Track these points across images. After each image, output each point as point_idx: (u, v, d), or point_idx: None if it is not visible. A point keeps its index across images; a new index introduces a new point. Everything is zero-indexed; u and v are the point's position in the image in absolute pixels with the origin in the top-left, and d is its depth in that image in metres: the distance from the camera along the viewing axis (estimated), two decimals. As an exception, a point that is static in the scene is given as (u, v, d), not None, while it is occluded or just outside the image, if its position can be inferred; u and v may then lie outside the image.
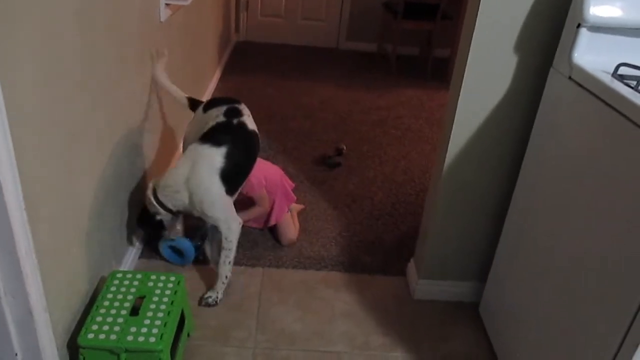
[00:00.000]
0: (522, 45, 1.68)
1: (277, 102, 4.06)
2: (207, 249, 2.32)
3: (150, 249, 2.29)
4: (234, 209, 2.07)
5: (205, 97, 3.76)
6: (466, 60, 1.71)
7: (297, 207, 2.65)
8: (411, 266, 2.27)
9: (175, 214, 2.06)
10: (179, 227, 2.31)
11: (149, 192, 2.02)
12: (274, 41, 5.51)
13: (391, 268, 2.36)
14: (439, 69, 4.84)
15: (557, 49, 1.60)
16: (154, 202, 2.00)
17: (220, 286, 2.07)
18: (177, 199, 1.99)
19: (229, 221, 2.03)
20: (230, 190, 2.02)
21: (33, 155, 1.32)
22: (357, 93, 4.37)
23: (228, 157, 1.98)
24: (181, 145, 2.99)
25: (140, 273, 1.80)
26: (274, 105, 4.00)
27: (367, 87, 4.52)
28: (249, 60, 4.99)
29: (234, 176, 2.03)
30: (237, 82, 4.36)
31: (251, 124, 2.19)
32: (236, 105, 2.20)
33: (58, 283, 1.51)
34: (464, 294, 2.17)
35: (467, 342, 1.99)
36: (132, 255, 2.17)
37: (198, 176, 1.95)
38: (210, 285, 2.11)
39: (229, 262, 2.06)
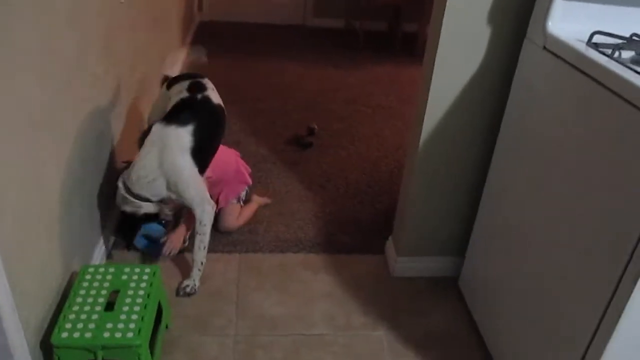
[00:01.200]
0: (495, 16, 1.65)
1: (246, 83, 3.97)
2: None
3: (124, 240, 2.21)
4: (207, 191, 2.02)
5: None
6: (439, 33, 1.67)
7: (260, 200, 2.54)
8: (389, 244, 2.26)
9: (157, 202, 1.98)
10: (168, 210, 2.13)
11: (122, 191, 1.94)
12: (239, 19, 5.37)
13: (369, 247, 2.34)
14: (408, 44, 4.81)
15: (531, 19, 1.58)
16: (131, 198, 1.93)
17: (197, 273, 2.02)
18: (155, 187, 1.92)
19: (203, 203, 1.98)
20: (201, 169, 1.98)
21: (-10, 149, 1.24)
22: (326, 71, 4.30)
23: (196, 134, 1.93)
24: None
25: (113, 266, 1.73)
26: (242, 86, 3.92)
27: (336, 64, 4.46)
28: (214, 40, 4.86)
29: (204, 154, 1.99)
30: (202, 63, 4.24)
31: (216, 98, 2.13)
32: (199, 80, 2.14)
33: (27, 280, 1.43)
34: (443, 270, 2.17)
35: (448, 317, 2.00)
36: (103, 248, 2.09)
37: (170, 159, 1.89)
38: (186, 275, 2.06)
39: (204, 247, 2.01)
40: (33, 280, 1.49)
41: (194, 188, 1.95)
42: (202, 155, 1.98)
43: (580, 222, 1.33)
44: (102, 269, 1.71)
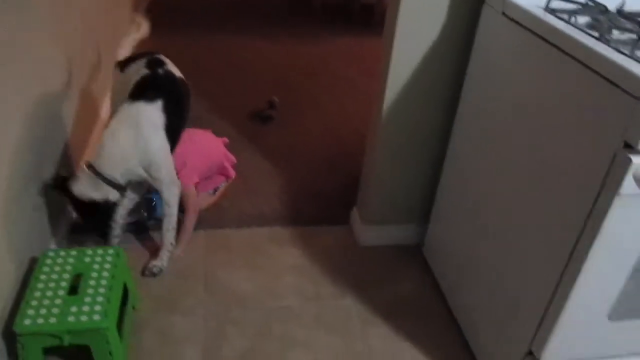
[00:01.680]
0: (454, -18, 1.65)
1: (204, 58, 3.88)
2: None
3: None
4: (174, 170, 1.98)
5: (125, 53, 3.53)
6: (399, 2, 1.66)
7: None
8: (354, 214, 2.28)
9: (123, 188, 1.84)
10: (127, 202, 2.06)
11: (87, 176, 1.76)
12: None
13: (335, 218, 2.35)
14: (366, 16, 4.77)
15: (489, -15, 1.58)
16: (102, 181, 1.76)
17: (166, 254, 1.98)
18: (129, 168, 1.79)
19: (172, 185, 1.93)
20: (172, 147, 1.92)
21: None
22: (285, 44, 4.24)
23: (166, 111, 1.85)
24: (106, 113, 2.82)
25: (74, 250, 1.69)
26: (200, 61, 3.82)
27: (295, 37, 4.40)
28: (167, 15, 4.70)
29: (175, 131, 1.92)
30: (160, 41, 4.10)
31: (177, 72, 2.06)
32: (157, 56, 2.06)
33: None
34: (408, 237, 2.20)
35: (414, 283, 2.04)
36: (63, 231, 2.03)
37: (145, 137, 1.79)
38: (153, 255, 2.02)
39: (172, 228, 1.97)
40: (-10, 267, 1.43)
41: (166, 168, 1.88)
42: (173, 133, 1.91)
43: (538, 188, 1.36)
44: (63, 253, 1.67)
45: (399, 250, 2.19)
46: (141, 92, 1.86)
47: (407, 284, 2.03)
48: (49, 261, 1.63)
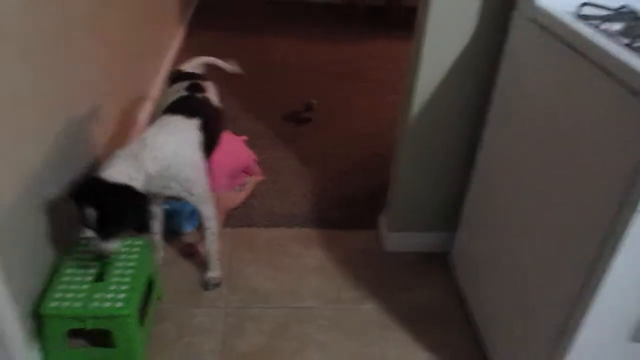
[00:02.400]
0: (485, -12, 1.63)
1: (246, 59, 3.92)
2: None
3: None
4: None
5: (168, 58, 3.65)
6: (428, 6, 1.65)
7: (253, 179, 2.52)
8: (382, 219, 2.27)
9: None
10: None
11: (124, 161, 1.56)
12: (240, -5, 5.33)
13: (362, 222, 2.35)
14: (409, 19, 4.73)
15: (520, -9, 1.56)
16: (141, 168, 1.58)
17: (216, 264, 1.98)
18: (164, 174, 1.65)
19: (208, 200, 1.87)
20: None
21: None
22: (325, 46, 4.27)
23: (202, 130, 1.81)
24: (141, 115, 2.91)
25: (103, 238, 1.75)
26: (241, 62, 3.88)
27: (335, 40, 4.42)
28: (214, 17, 4.82)
29: (208, 151, 1.87)
30: (202, 40, 4.22)
31: (215, 101, 2.06)
32: (199, 82, 2.07)
33: (16, 252, 1.46)
34: (434, 245, 2.18)
35: (438, 291, 2.01)
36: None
37: (186, 150, 1.72)
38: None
39: (215, 239, 1.93)
40: (23, 252, 1.51)
41: (202, 185, 1.81)
42: (206, 153, 1.86)
43: (563, 199, 1.33)
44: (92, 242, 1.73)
45: (425, 257, 2.17)
46: (179, 108, 1.85)
47: (430, 292, 2.01)
48: (79, 248, 1.70)
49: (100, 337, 1.62)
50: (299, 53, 4.13)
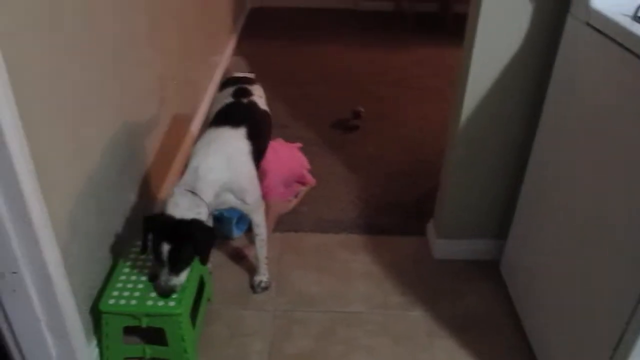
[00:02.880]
0: (538, -9, 1.61)
1: (294, 67, 4.01)
2: None
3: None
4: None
5: (221, 66, 3.75)
6: (479, 10, 1.64)
7: (307, 188, 2.55)
8: (430, 226, 2.26)
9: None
10: None
11: (186, 198, 1.60)
12: (290, 5, 5.41)
13: (410, 229, 2.34)
14: (459, 26, 4.68)
15: (574, -6, 1.53)
16: (200, 202, 1.62)
17: (264, 268, 2.01)
18: (219, 192, 1.70)
19: (260, 208, 1.90)
20: None
21: (41, 125, 1.33)
22: (374, 54, 4.28)
23: (250, 138, 1.82)
24: (199, 115, 3.00)
25: (158, 240, 1.82)
26: (290, 70, 3.96)
27: (385, 47, 4.43)
28: (264, 26, 4.92)
29: (256, 159, 1.88)
30: (252, 49, 4.32)
31: (262, 104, 2.07)
32: (245, 86, 2.08)
33: (77, 251, 1.53)
34: (483, 252, 2.15)
35: (487, 300, 1.98)
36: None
37: (238, 162, 1.76)
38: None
39: (265, 244, 1.97)
40: (83, 253, 1.59)
41: (255, 193, 1.84)
42: (256, 158, 1.87)
43: (620, 206, 1.29)
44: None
45: (474, 265, 2.14)
46: (224, 118, 1.87)
47: (479, 300, 1.98)
48: (134, 249, 1.77)
49: (154, 335, 1.67)
50: (348, 61, 4.15)
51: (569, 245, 1.53)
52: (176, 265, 1.57)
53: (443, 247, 2.15)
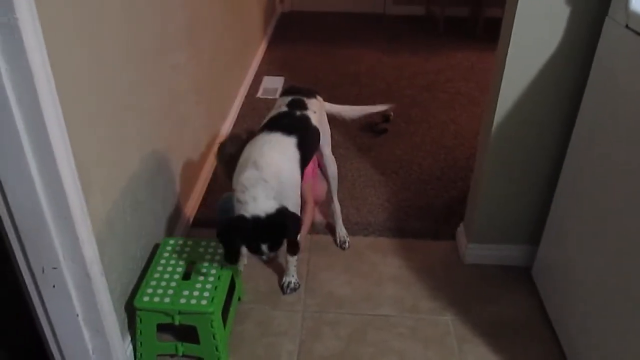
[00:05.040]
0: (575, -6, 1.59)
1: (324, 71, 4.02)
2: None
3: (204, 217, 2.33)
4: None
5: (251, 70, 3.79)
6: (514, 13, 1.63)
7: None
8: (461, 230, 2.24)
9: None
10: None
11: (264, 190, 1.62)
12: (320, 9, 5.44)
13: (440, 233, 2.33)
14: (491, 30, 4.64)
15: (614, -4, 1.51)
16: (256, 194, 1.61)
17: (293, 270, 2.01)
18: (267, 194, 1.63)
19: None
20: None
21: (82, 125, 1.37)
22: (404, 58, 4.27)
23: (299, 148, 1.79)
24: (230, 118, 3.04)
25: (191, 240, 1.85)
26: (320, 73, 3.98)
27: (415, 51, 4.41)
28: (295, 29, 4.96)
29: (302, 171, 1.84)
30: (283, 53, 4.35)
31: (315, 120, 1.97)
32: (302, 98, 2.01)
33: (114, 249, 1.57)
34: (515, 258, 2.12)
35: (519, 306, 1.95)
36: (184, 224, 2.23)
37: (289, 167, 1.74)
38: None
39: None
40: (119, 250, 1.62)
41: (297, 201, 1.79)
42: (301, 172, 1.84)
43: (660, 208, 1.26)
44: (181, 242, 1.83)
45: (506, 270, 2.11)
46: (276, 124, 1.85)
47: (511, 306, 1.96)
48: (168, 248, 1.80)
49: (187, 333, 1.70)
50: (377, 64, 4.15)
51: (606, 252, 1.51)
52: (274, 248, 1.64)
53: (474, 252, 2.13)
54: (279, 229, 1.62)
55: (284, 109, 1.96)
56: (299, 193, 1.82)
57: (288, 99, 2.01)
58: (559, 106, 1.79)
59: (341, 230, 2.28)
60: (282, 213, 1.62)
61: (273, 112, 1.97)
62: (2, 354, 1.75)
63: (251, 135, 1.88)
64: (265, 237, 1.60)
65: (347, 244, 2.23)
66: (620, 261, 1.42)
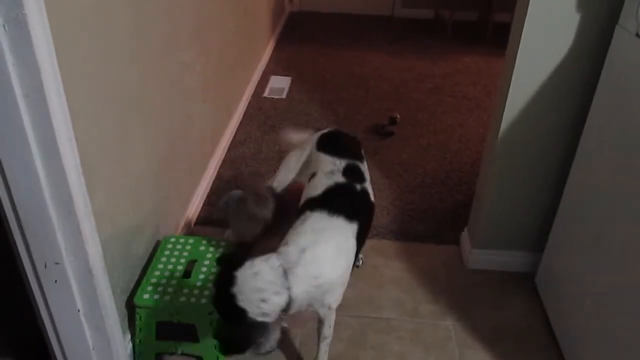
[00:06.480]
0: (585, 1, 1.58)
1: (331, 72, 4.02)
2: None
3: (207, 214, 2.33)
4: None
5: (259, 69, 3.79)
6: (524, 19, 1.62)
7: None
8: (465, 235, 2.23)
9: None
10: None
11: (272, 269, 1.35)
12: (329, 10, 5.44)
13: (444, 237, 2.32)
14: (500, 35, 4.63)
15: (624, 4, 1.49)
16: (290, 287, 1.34)
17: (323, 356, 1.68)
18: (308, 296, 1.42)
19: (334, 309, 1.59)
20: None
21: (88, 121, 1.37)
22: (412, 61, 4.26)
23: (357, 237, 1.55)
24: (236, 117, 3.03)
25: (192, 238, 1.85)
26: (327, 74, 3.97)
27: (422, 54, 4.40)
28: (303, 30, 4.95)
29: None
30: (291, 52, 4.35)
31: (370, 187, 1.75)
32: (357, 163, 1.75)
33: (116, 246, 1.57)
34: (519, 264, 2.11)
35: (521, 312, 1.94)
36: (187, 222, 2.23)
37: (340, 266, 1.48)
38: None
39: (329, 342, 1.66)
40: (121, 248, 1.62)
41: (339, 296, 1.55)
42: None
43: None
44: (182, 240, 1.83)
45: (509, 276, 2.10)
46: (338, 206, 1.55)
47: (513, 312, 1.95)
48: (169, 246, 1.80)
49: (186, 331, 1.69)
50: (385, 67, 4.14)
51: (611, 261, 1.50)
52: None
53: (477, 257, 2.12)
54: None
55: (341, 179, 1.65)
56: (344, 285, 1.55)
57: (342, 162, 1.70)
58: (567, 113, 1.77)
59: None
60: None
61: (327, 180, 1.64)
62: (3, 349, 1.76)
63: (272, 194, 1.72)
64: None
65: (360, 261, 2.08)
66: (625, 271, 1.41)
